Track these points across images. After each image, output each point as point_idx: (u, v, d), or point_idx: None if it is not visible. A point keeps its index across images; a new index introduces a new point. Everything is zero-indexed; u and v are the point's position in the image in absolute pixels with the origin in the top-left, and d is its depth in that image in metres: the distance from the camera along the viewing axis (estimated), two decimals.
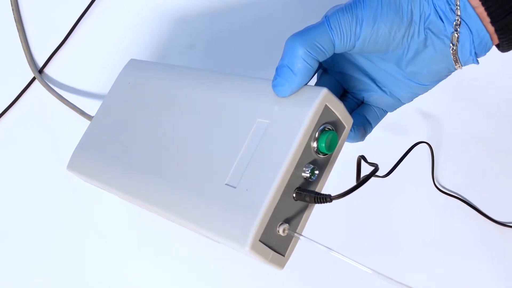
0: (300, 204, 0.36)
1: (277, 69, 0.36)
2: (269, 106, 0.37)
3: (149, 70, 0.49)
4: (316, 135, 0.35)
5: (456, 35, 0.37)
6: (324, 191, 0.38)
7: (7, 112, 0.63)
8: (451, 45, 0.38)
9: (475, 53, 0.38)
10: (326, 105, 0.35)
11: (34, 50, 0.65)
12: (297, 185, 0.35)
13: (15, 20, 0.65)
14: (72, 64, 0.65)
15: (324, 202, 0.34)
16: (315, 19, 0.39)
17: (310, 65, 0.36)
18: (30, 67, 0.63)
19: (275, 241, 0.35)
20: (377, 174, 0.38)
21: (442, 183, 0.62)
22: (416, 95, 0.43)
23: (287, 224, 0.35)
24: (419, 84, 0.41)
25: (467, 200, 0.62)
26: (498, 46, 0.39)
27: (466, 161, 0.63)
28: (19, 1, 0.65)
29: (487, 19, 0.36)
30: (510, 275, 0.60)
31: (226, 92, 0.41)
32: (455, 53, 0.38)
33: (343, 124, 0.38)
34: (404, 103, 0.44)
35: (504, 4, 0.35)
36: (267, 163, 0.34)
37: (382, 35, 0.37)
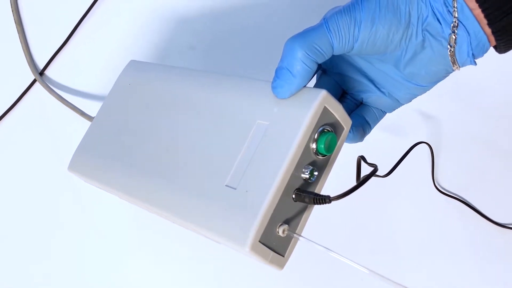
0: (299, 205, 0.36)
1: (276, 71, 0.37)
2: (268, 107, 0.37)
3: (149, 71, 0.49)
4: (315, 137, 0.36)
5: (454, 37, 0.37)
6: (323, 192, 0.38)
7: (8, 113, 0.63)
8: (448, 46, 0.38)
9: (473, 54, 0.38)
10: (325, 107, 0.36)
11: (35, 51, 0.65)
12: (297, 186, 0.35)
13: (15, 21, 0.65)
14: (73, 66, 0.65)
15: (323, 203, 0.34)
16: (315, 20, 0.39)
17: (309, 67, 0.36)
18: (31, 68, 0.63)
19: (275, 242, 0.35)
20: (377, 174, 0.38)
21: (442, 184, 0.62)
22: (415, 96, 0.43)
23: (287, 225, 0.35)
24: (417, 85, 0.41)
25: (467, 201, 0.62)
26: (495, 47, 0.39)
27: (466, 162, 0.63)
28: (19, 3, 0.66)
29: (484, 21, 0.36)
30: (510, 276, 0.60)
31: (226, 93, 0.41)
32: (453, 55, 0.38)
33: (342, 125, 0.38)
34: (403, 104, 0.44)
35: (501, 6, 0.36)
36: (266, 165, 0.35)
37: (380, 37, 0.37)
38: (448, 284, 0.59)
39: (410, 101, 0.44)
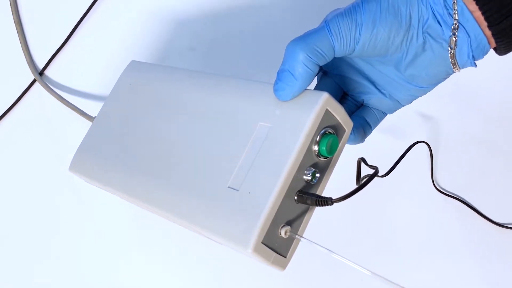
0: (301, 206, 0.36)
1: (278, 74, 0.37)
2: (270, 110, 0.37)
3: (150, 71, 0.49)
4: (317, 139, 0.36)
5: (454, 39, 0.38)
6: (325, 193, 0.38)
7: (8, 113, 0.63)
8: (449, 48, 0.38)
9: (473, 56, 0.38)
10: (327, 109, 0.36)
11: (34, 51, 0.65)
12: (299, 188, 0.36)
13: (14, 22, 0.65)
14: (73, 66, 0.65)
15: (325, 205, 0.34)
16: (314, 21, 0.39)
17: (311, 70, 0.36)
18: (30, 68, 0.63)
19: (277, 243, 0.35)
20: (372, 167, 0.39)
21: (441, 184, 0.63)
22: (415, 98, 0.43)
23: (289, 227, 0.35)
24: (418, 86, 0.41)
25: (466, 201, 0.62)
26: (495, 49, 0.39)
27: (465, 162, 0.63)
28: (18, 3, 0.66)
29: (484, 23, 0.37)
30: (509, 276, 0.60)
31: (228, 95, 0.41)
32: (453, 57, 0.38)
33: (343, 127, 0.38)
34: (404, 105, 0.44)
35: (500, 9, 0.36)
36: (269, 167, 0.35)
37: (381, 39, 0.37)
38: (447, 283, 0.60)
39: (411, 102, 0.44)
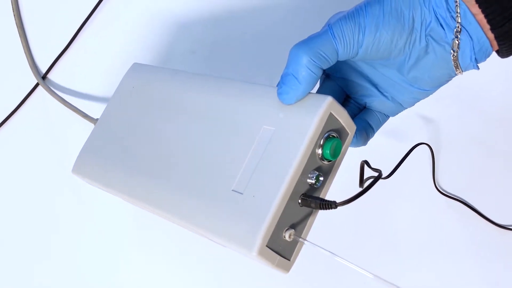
0: (305, 210, 0.36)
1: (282, 77, 0.37)
2: (274, 113, 0.37)
3: (153, 74, 0.49)
4: (321, 142, 0.36)
5: (457, 42, 0.38)
6: (328, 196, 0.38)
7: (11, 117, 0.63)
8: (451, 51, 0.38)
9: (476, 59, 0.38)
10: (330, 113, 0.36)
11: (37, 55, 0.65)
12: (303, 192, 0.36)
13: (16, 25, 0.65)
14: (75, 69, 0.65)
15: (329, 209, 0.34)
16: (316, 24, 0.39)
17: (314, 73, 0.36)
18: (33, 72, 0.63)
19: (281, 246, 0.35)
20: (375, 170, 0.39)
21: (443, 186, 0.63)
22: (418, 100, 0.43)
23: (293, 230, 0.35)
24: (420, 89, 0.42)
25: (468, 202, 0.62)
26: (498, 51, 0.39)
27: (466, 163, 0.63)
28: (20, 6, 0.66)
29: (487, 26, 0.37)
30: (509, 277, 0.60)
31: (231, 98, 0.41)
32: (456, 59, 0.38)
33: (346, 130, 0.38)
34: (406, 108, 0.44)
35: (503, 12, 0.36)
36: (273, 170, 0.35)
37: (384, 42, 0.37)
38: (449, 284, 0.60)
39: (413, 104, 0.44)
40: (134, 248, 0.60)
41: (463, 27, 0.37)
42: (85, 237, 0.60)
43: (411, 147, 0.47)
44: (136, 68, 0.51)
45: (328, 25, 0.37)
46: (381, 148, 0.54)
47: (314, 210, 0.37)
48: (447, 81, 0.41)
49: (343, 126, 0.38)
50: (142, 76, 0.49)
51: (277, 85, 0.38)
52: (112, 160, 0.46)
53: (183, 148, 0.41)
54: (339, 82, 0.45)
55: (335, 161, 0.38)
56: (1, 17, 0.65)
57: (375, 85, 0.43)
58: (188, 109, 0.43)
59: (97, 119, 0.50)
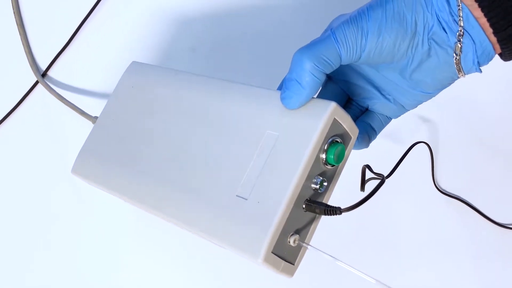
0: (309, 215, 0.36)
1: (285, 82, 0.37)
2: (278, 118, 0.37)
3: (152, 74, 0.48)
4: (325, 148, 0.36)
5: (459, 46, 0.38)
6: (330, 200, 0.38)
7: (10, 115, 0.63)
8: (454, 55, 0.38)
9: (478, 62, 0.38)
10: (334, 119, 0.36)
11: (36, 53, 0.65)
12: (307, 197, 0.36)
13: (16, 23, 0.65)
14: (75, 67, 0.65)
15: (334, 214, 0.35)
16: (317, 24, 0.39)
17: (318, 78, 0.36)
18: (33, 70, 0.63)
19: (286, 252, 0.35)
20: (377, 175, 0.39)
21: (443, 185, 0.63)
22: (420, 102, 0.43)
23: (298, 235, 0.35)
24: (423, 92, 0.42)
25: (468, 201, 0.62)
26: (500, 55, 0.39)
27: (466, 162, 0.63)
28: (20, 4, 0.65)
29: (489, 30, 0.37)
30: (510, 276, 0.60)
31: (234, 101, 0.41)
32: (458, 63, 0.38)
33: (349, 134, 0.38)
34: (408, 110, 0.44)
35: (506, 15, 0.36)
36: (278, 175, 0.35)
37: (387, 46, 0.37)
38: (449, 283, 0.60)
39: (416, 107, 0.44)
40: (134, 248, 0.60)
41: (466, 31, 0.37)
42: (84, 236, 0.60)
43: (409, 146, 0.47)
44: (135, 66, 0.50)
45: (331, 30, 0.37)
46: (380, 148, 0.53)
47: (318, 215, 0.37)
48: (450, 84, 0.41)
49: (346, 131, 0.38)
50: (142, 76, 0.49)
51: (278, 89, 0.38)
52: (112, 162, 0.46)
53: (185, 151, 0.41)
54: (341, 84, 0.45)
55: (338, 166, 0.38)
56: (1, 15, 0.65)
57: (377, 88, 0.43)
58: (190, 112, 0.43)
59: (96, 117, 0.50)
